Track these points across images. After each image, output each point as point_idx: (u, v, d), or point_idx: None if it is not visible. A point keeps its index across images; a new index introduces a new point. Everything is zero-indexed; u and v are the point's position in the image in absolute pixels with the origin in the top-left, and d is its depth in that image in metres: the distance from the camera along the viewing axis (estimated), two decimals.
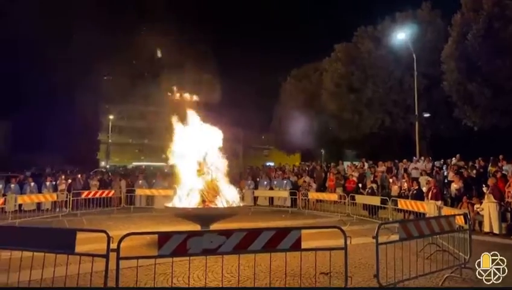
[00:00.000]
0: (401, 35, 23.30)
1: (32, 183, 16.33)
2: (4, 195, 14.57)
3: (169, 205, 10.79)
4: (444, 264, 6.58)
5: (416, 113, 23.10)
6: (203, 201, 10.32)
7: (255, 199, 17.94)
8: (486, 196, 11.33)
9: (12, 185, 15.89)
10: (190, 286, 5.61)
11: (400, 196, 13.86)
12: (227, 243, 4.48)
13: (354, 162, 22.67)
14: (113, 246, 4.33)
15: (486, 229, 10.99)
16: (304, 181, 18.38)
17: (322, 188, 18.85)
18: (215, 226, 9.92)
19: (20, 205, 14.12)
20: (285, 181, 18.38)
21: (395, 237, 6.27)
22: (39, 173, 21.70)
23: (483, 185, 12.13)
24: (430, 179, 14.31)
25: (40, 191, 15.96)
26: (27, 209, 14.59)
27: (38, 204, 15.14)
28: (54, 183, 16.92)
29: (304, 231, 4.98)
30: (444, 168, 16.93)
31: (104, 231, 4.48)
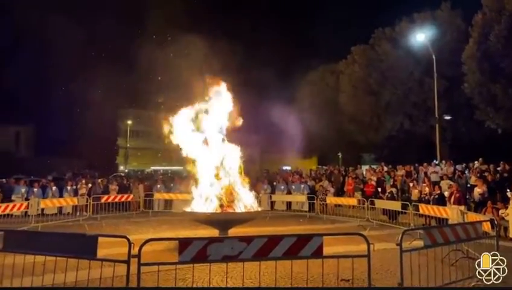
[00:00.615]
0: (420, 36, 22.90)
1: (54, 188, 16.66)
2: (27, 199, 14.90)
3: (188, 209, 10.82)
4: (470, 271, 6.35)
5: (437, 115, 22.63)
6: (221, 206, 10.31)
7: (272, 203, 17.83)
8: (511, 201, 10.96)
9: (35, 190, 16.25)
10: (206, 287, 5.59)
11: (420, 200, 13.54)
12: (248, 250, 4.44)
13: (372, 166, 22.35)
14: (134, 251, 4.35)
15: None
16: (321, 185, 18.17)
17: (340, 192, 18.62)
18: (233, 231, 9.90)
19: (42, 209, 14.41)
20: (302, 185, 18.20)
21: (418, 242, 6.11)
22: (60, 177, 22.17)
23: (508, 190, 11.75)
24: (452, 183, 13.94)
25: (61, 196, 16.26)
26: (49, 213, 14.89)
27: (60, 208, 15.42)
28: (74, 187, 17.21)
29: (325, 236, 4.90)
30: (466, 172, 16.49)
31: (125, 237, 4.50)
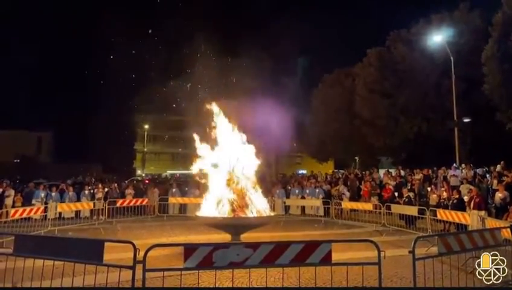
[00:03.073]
0: (438, 38, 22.45)
1: (71, 193, 16.95)
2: (46, 203, 15.21)
3: (200, 214, 10.82)
4: None
5: (455, 118, 22.07)
6: (233, 210, 10.25)
7: (287, 207, 17.68)
8: None
9: (53, 194, 16.59)
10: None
11: (438, 205, 13.17)
12: (254, 256, 4.36)
13: (389, 170, 21.93)
14: (140, 256, 4.33)
15: None
16: (336, 190, 17.92)
17: (356, 196, 18.32)
18: (245, 236, 9.84)
19: (60, 213, 14.68)
20: (317, 190, 17.99)
21: (435, 249, 5.91)
22: (80, 182, 22.60)
23: None
24: (472, 187, 13.51)
25: (79, 200, 16.52)
26: (67, 216, 15.18)
27: (78, 212, 15.67)
28: (91, 191, 17.47)
29: (335, 243, 4.79)
30: (488, 176, 15.97)
31: (131, 242, 4.49)
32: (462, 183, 14.80)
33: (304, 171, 36.72)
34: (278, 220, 13.57)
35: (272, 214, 11.36)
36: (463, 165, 18.09)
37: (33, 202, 15.92)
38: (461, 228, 10.55)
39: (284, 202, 17.62)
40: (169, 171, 49.43)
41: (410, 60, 25.96)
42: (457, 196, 12.70)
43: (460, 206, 12.00)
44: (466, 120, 23.54)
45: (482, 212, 10.68)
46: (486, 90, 21.01)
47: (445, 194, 13.65)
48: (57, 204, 14.68)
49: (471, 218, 10.19)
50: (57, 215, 14.44)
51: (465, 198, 12.51)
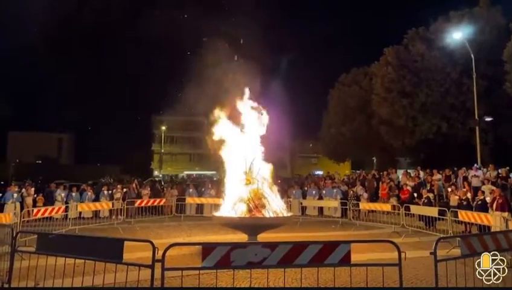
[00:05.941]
0: (458, 35, 21.94)
1: (89, 193, 17.28)
2: (66, 203, 15.55)
3: (217, 214, 10.86)
4: None
5: (476, 117, 21.52)
6: (250, 210, 10.25)
7: (304, 208, 17.58)
8: None
9: (73, 194, 16.95)
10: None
11: (459, 206, 12.85)
12: (272, 256, 4.34)
13: (408, 170, 21.56)
14: (159, 255, 4.37)
15: None
16: (352, 191, 17.70)
17: (374, 197, 18.07)
18: (262, 236, 9.82)
19: (80, 212, 14.99)
20: (334, 190, 17.82)
21: (456, 251, 5.78)
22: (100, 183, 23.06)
23: None
24: (494, 188, 13.13)
25: (98, 200, 16.81)
26: (86, 216, 15.49)
27: (97, 212, 15.96)
28: (110, 192, 17.76)
29: (354, 243, 4.72)
30: (511, 176, 15.51)
31: (150, 241, 4.54)
32: (483, 183, 14.42)
33: (321, 172, 36.51)
34: (294, 221, 13.50)
35: (289, 214, 11.29)
36: (487, 166, 17.59)
37: (56, 202, 16.30)
38: (483, 229, 10.27)
39: (301, 203, 17.52)
40: (186, 172, 49.89)
41: (429, 59, 25.46)
42: (481, 197, 12.36)
43: (483, 207, 11.69)
44: (487, 119, 22.91)
45: (505, 214, 10.38)
46: (509, 88, 20.45)
47: (469, 195, 13.32)
48: (78, 204, 14.99)
49: (493, 219, 9.92)
50: (77, 215, 14.74)
51: (488, 199, 12.18)
